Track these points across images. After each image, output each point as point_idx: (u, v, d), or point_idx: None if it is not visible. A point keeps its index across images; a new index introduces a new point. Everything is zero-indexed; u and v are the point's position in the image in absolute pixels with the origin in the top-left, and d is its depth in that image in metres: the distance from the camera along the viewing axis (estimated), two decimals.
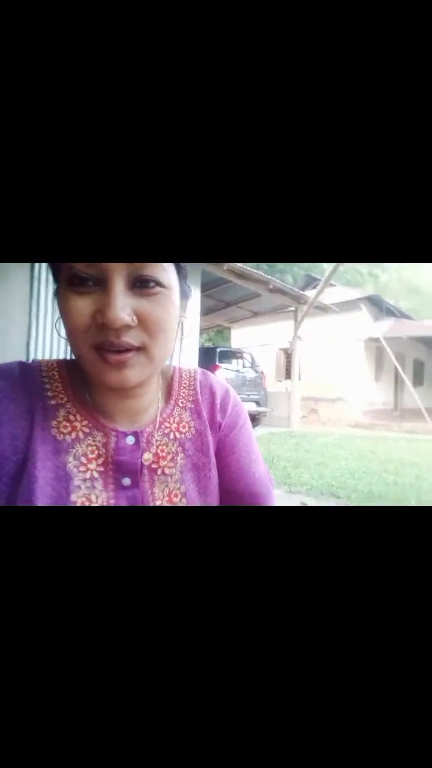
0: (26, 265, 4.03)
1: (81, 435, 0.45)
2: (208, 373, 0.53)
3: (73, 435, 0.45)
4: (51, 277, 0.45)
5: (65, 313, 0.40)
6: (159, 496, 0.46)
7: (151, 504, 0.46)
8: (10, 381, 0.43)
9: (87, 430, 0.45)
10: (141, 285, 0.41)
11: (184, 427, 0.48)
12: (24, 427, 0.42)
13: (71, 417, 0.45)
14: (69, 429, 0.45)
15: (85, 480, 0.45)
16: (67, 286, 0.41)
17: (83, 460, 0.45)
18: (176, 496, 0.47)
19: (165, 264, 0.42)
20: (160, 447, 0.47)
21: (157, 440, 0.47)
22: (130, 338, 0.40)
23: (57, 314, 0.42)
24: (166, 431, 0.48)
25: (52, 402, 0.45)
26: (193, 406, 0.49)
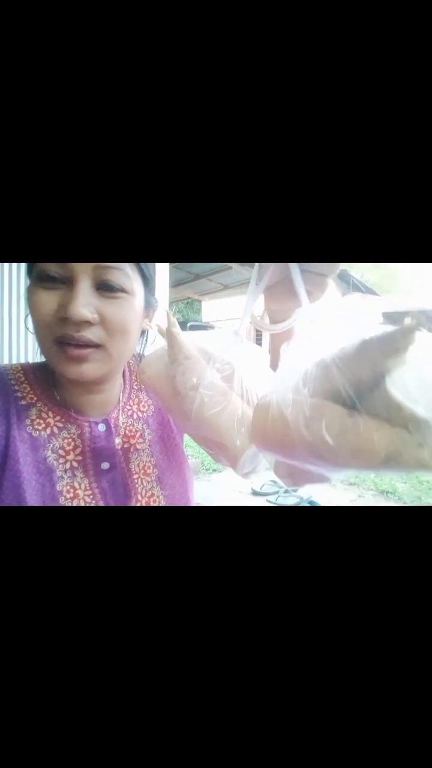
0: None
1: (56, 430, 0.48)
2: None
3: (48, 431, 0.47)
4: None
5: (32, 307, 0.43)
6: (135, 470, 0.50)
7: (129, 481, 0.49)
8: None
9: (61, 425, 0.48)
10: (105, 288, 0.44)
11: (144, 406, 0.53)
12: (1, 429, 0.45)
13: (43, 414, 0.48)
14: (43, 425, 0.47)
15: (66, 470, 0.48)
16: (36, 282, 0.43)
17: (61, 452, 0.48)
18: (149, 467, 0.51)
19: (130, 272, 0.45)
20: (127, 428, 0.51)
21: (123, 422, 0.51)
22: (90, 334, 0.43)
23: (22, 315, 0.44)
24: (129, 413, 0.52)
25: (23, 402, 0.47)
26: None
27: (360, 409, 0.30)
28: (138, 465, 0.51)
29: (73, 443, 0.48)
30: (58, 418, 0.48)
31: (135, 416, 0.52)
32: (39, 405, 0.48)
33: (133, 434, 0.51)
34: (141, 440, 0.52)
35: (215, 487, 4.03)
